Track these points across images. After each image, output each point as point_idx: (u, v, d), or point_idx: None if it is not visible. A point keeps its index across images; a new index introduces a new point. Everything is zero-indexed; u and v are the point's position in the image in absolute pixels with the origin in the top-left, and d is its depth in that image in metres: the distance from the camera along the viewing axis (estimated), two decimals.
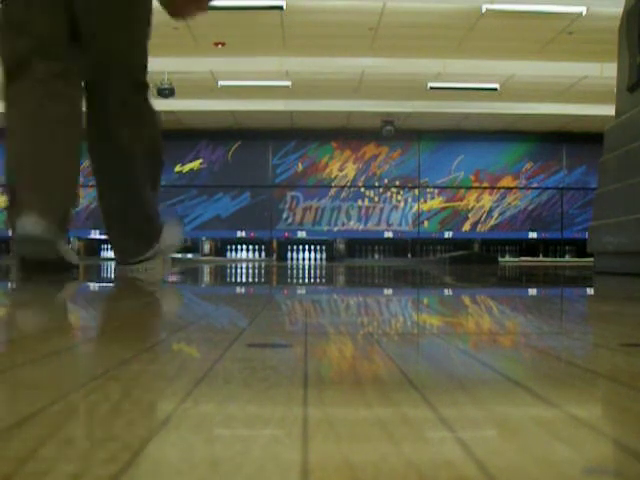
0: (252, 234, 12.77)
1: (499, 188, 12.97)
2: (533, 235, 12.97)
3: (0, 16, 2.63)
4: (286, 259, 12.47)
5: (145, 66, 2.94)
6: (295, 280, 3.77)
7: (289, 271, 5.48)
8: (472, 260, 8.23)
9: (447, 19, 7.65)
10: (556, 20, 7.63)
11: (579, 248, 11.83)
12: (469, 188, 12.95)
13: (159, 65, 8.73)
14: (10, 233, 2.66)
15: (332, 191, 12.92)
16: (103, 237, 12.80)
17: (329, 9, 7.43)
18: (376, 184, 12.94)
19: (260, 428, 0.52)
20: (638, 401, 0.61)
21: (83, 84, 2.78)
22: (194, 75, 9.06)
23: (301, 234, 12.79)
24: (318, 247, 12.85)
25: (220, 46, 8.17)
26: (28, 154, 2.58)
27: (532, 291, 2.85)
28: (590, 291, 2.95)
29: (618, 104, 4.57)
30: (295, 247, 12.79)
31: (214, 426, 0.51)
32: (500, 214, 12.98)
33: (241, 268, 5.99)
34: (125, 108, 2.80)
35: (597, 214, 4.79)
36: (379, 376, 0.75)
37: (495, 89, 10.00)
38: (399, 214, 12.97)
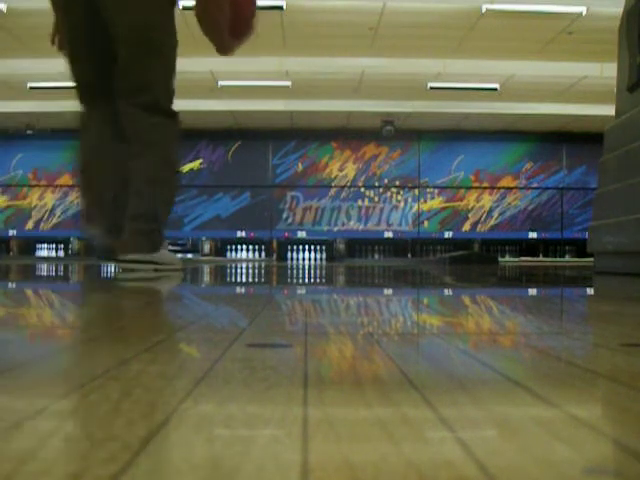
0: (252, 234, 12.77)
1: (499, 188, 12.97)
2: (533, 235, 12.97)
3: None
4: (286, 259, 12.47)
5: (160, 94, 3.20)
6: (295, 280, 3.77)
7: (289, 271, 5.48)
8: (472, 260, 8.23)
9: (447, 19, 7.65)
10: (556, 20, 7.63)
11: (579, 248, 11.83)
12: (469, 188, 12.95)
13: None
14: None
15: (332, 191, 12.92)
16: None
17: (329, 9, 7.43)
18: (376, 184, 12.94)
19: (260, 428, 0.52)
20: (638, 401, 0.61)
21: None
22: (194, 75, 9.06)
23: (301, 234, 12.79)
24: (318, 247, 12.85)
25: None
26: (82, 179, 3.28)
27: (532, 291, 2.85)
28: (590, 291, 2.95)
29: (618, 104, 4.57)
30: (295, 247, 12.79)
31: (214, 426, 0.51)
32: (500, 214, 12.98)
33: (241, 268, 5.99)
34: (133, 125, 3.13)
35: (597, 214, 4.79)
36: (379, 376, 0.75)
37: (495, 89, 10.00)
38: (399, 214, 12.97)
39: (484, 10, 7.32)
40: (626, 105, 4.37)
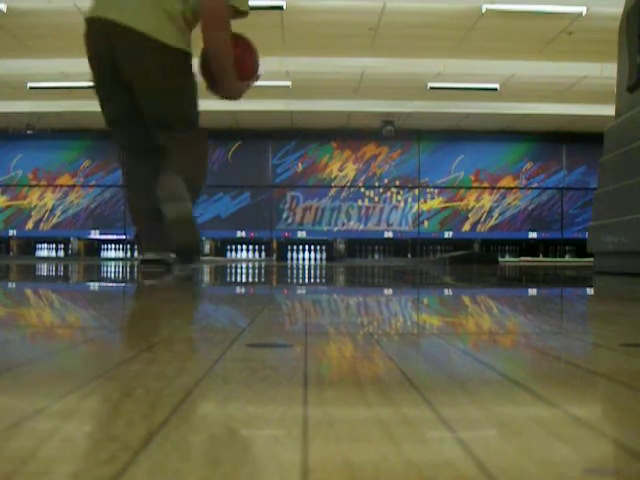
0: (252, 234, 12.77)
1: (499, 188, 12.96)
2: (533, 235, 12.96)
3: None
4: (286, 259, 12.47)
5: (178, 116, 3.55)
6: (295, 280, 3.77)
7: (289, 271, 5.48)
8: (472, 260, 8.23)
9: (447, 19, 7.64)
10: (556, 20, 7.62)
11: (579, 248, 11.82)
12: (469, 188, 12.94)
13: None
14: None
15: (332, 191, 12.92)
16: (103, 237, 12.82)
17: (329, 9, 7.42)
18: (376, 184, 12.93)
19: (260, 428, 0.52)
20: (638, 401, 0.61)
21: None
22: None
23: (301, 234, 12.78)
24: (318, 247, 12.84)
25: None
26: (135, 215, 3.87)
27: (532, 291, 2.85)
28: (590, 291, 2.94)
29: (618, 104, 4.57)
30: (295, 247, 12.78)
31: (214, 426, 0.51)
32: (500, 214, 12.97)
33: (241, 268, 5.99)
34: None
35: (597, 214, 4.79)
36: (379, 376, 0.75)
37: (495, 89, 9.99)
38: (399, 214, 12.97)
39: (484, 10, 7.32)
40: (626, 105, 4.37)
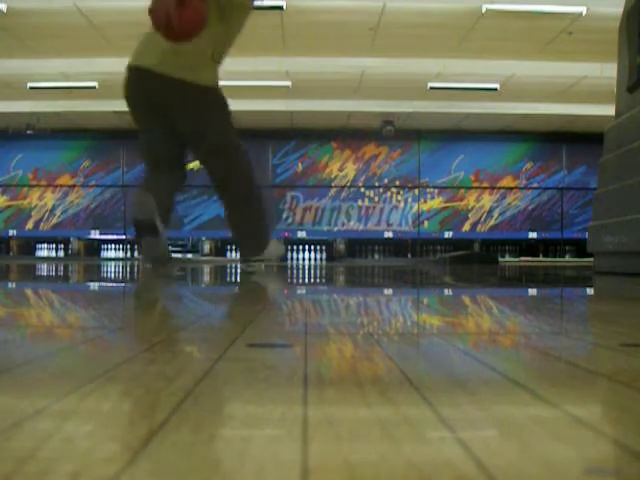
0: None
1: (499, 188, 12.96)
2: (533, 235, 12.96)
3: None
4: (286, 259, 12.47)
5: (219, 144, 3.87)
6: (295, 280, 3.77)
7: (289, 271, 5.48)
8: (472, 260, 8.23)
9: (447, 19, 7.64)
10: (556, 20, 7.62)
11: (579, 248, 11.82)
12: (469, 188, 12.94)
13: None
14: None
15: (332, 191, 12.91)
16: (103, 237, 12.82)
17: (329, 9, 7.42)
18: (376, 184, 12.93)
19: (260, 428, 0.52)
20: (638, 401, 0.61)
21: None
22: None
23: (301, 234, 12.78)
24: (318, 247, 12.84)
25: None
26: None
27: (532, 291, 2.85)
28: (590, 291, 2.94)
29: (618, 104, 4.56)
30: (295, 247, 12.78)
31: (214, 426, 0.51)
32: (500, 214, 12.97)
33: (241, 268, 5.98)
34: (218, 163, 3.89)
35: (597, 214, 4.79)
36: (379, 376, 0.75)
37: (495, 89, 9.99)
38: (399, 214, 12.97)
39: (484, 10, 7.32)
40: (626, 105, 4.37)
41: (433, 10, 7.43)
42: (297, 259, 12.65)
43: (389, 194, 12.98)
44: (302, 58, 8.88)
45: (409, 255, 12.72)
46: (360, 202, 12.96)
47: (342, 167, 12.98)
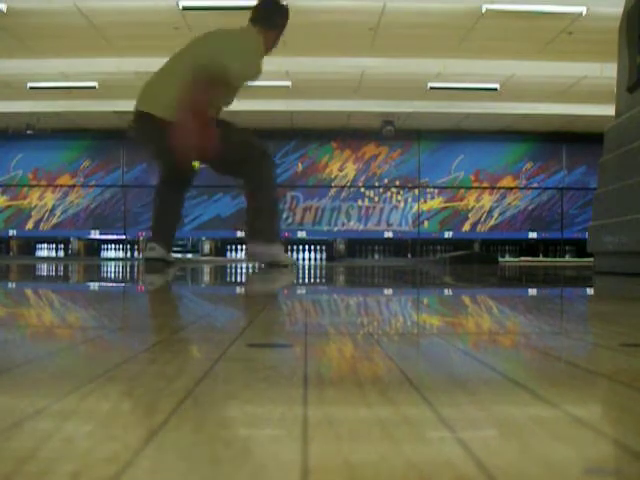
0: None
1: (499, 188, 12.96)
2: (533, 235, 12.96)
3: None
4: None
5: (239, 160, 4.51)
6: (295, 280, 3.77)
7: (289, 271, 5.47)
8: (472, 260, 8.22)
9: (447, 19, 7.64)
10: (556, 20, 7.62)
11: (579, 248, 11.81)
12: (469, 188, 12.94)
13: (159, 65, 8.68)
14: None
15: (332, 191, 12.91)
16: (103, 237, 12.82)
17: (329, 9, 7.42)
18: (376, 184, 12.93)
19: (260, 428, 0.52)
20: (638, 401, 0.61)
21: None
22: None
23: (301, 234, 12.78)
24: (318, 247, 12.84)
25: None
26: (158, 220, 4.69)
27: (532, 291, 2.85)
28: (590, 291, 2.94)
29: (618, 104, 4.56)
30: (295, 247, 12.78)
31: (214, 426, 0.51)
32: (500, 214, 12.97)
33: (241, 268, 5.99)
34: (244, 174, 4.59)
35: (597, 214, 4.78)
36: (379, 376, 0.75)
37: (495, 89, 9.98)
38: (399, 214, 12.97)
39: (484, 10, 7.32)
40: (626, 105, 4.36)
41: (433, 10, 7.43)
42: (297, 259, 12.66)
43: (389, 194, 12.98)
44: (302, 58, 8.88)
45: (409, 255, 12.72)
46: (360, 202, 12.96)
47: (342, 167, 12.98)
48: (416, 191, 12.98)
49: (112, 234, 12.73)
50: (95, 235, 12.76)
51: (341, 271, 5.33)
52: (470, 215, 12.97)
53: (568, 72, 9.22)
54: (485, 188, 12.98)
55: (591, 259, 5.01)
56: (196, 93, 4.01)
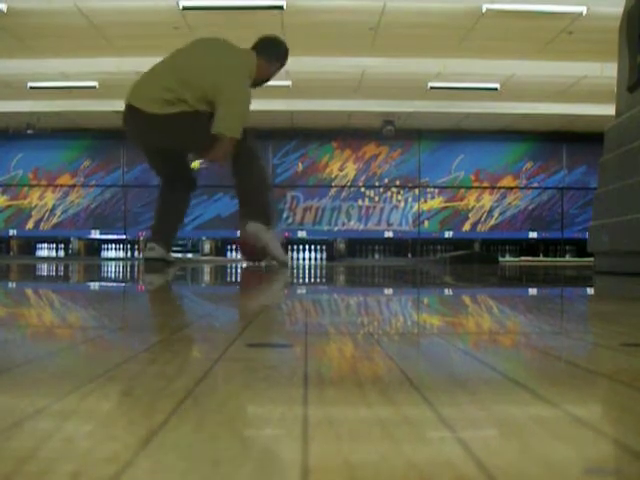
0: None
1: (499, 188, 12.95)
2: (533, 235, 12.95)
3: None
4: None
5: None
6: (295, 280, 3.77)
7: (289, 271, 5.47)
8: (472, 260, 8.22)
9: (447, 19, 7.64)
10: (556, 20, 7.62)
11: (579, 248, 11.81)
12: (469, 188, 12.94)
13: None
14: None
15: (332, 191, 12.91)
16: (103, 237, 12.82)
17: (329, 9, 7.42)
18: (376, 184, 12.93)
19: (260, 428, 0.52)
20: (638, 401, 0.61)
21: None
22: None
23: (301, 234, 12.78)
24: (318, 247, 12.84)
25: None
26: (159, 220, 4.79)
27: (532, 291, 2.85)
28: (590, 291, 2.94)
29: (618, 104, 4.56)
30: (295, 247, 12.78)
31: (214, 426, 0.51)
32: (500, 214, 12.97)
33: (241, 268, 5.99)
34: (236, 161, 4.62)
35: (597, 214, 4.78)
36: (379, 376, 0.75)
37: (495, 89, 9.98)
38: (399, 214, 12.96)
39: (484, 10, 7.32)
40: (626, 105, 4.36)
41: (433, 10, 7.43)
42: (297, 259, 12.65)
43: (389, 194, 12.98)
44: (302, 58, 8.88)
45: (409, 255, 12.72)
46: (360, 202, 12.96)
47: (342, 167, 12.98)
48: (416, 191, 12.98)
49: (112, 234, 12.73)
50: (95, 235, 12.76)
51: (341, 271, 5.33)
52: (470, 215, 12.97)
53: (568, 72, 9.22)
54: (485, 188, 12.97)
55: (591, 259, 5.01)
56: (221, 156, 4.43)
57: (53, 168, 12.76)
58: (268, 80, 4.64)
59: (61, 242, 12.88)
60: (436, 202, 12.96)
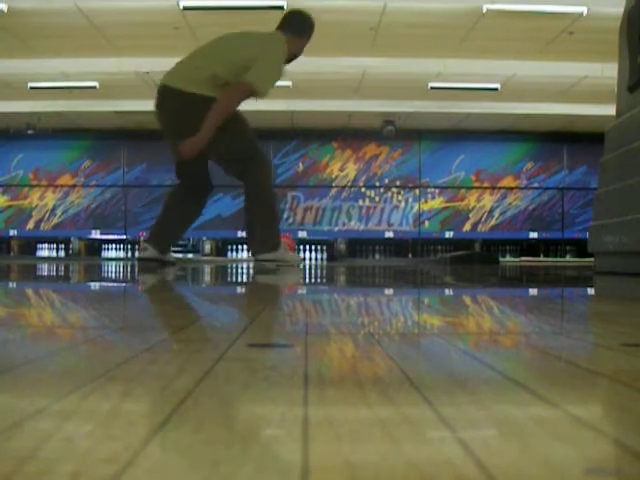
0: None
1: (500, 188, 12.96)
2: (534, 235, 12.96)
3: None
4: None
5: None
6: (296, 280, 3.76)
7: (289, 271, 5.46)
8: (473, 260, 8.22)
9: (448, 19, 7.64)
10: (557, 20, 7.62)
11: (580, 248, 11.81)
12: (470, 188, 12.94)
13: (160, 65, 8.71)
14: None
15: (333, 191, 12.92)
16: (104, 237, 12.83)
17: (330, 9, 7.42)
18: (377, 184, 12.94)
19: (260, 428, 0.52)
20: (639, 401, 0.61)
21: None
22: None
23: (302, 234, 12.78)
24: (319, 247, 12.84)
25: None
26: (159, 221, 4.85)
27: (533, 291, 2.85)
28: (591, 291, 2.94)
29: (618, 104, 4.56)
30: (296, 247, 12.79)
31: (214, 426, 0.51)
32: (501, 214, 12.97)
33: (242, 268, 5.99)
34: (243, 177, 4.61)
35: (597, 214, 4.78)
36: (380, 376, 0.75)
37: (496, 89, 9.99)
38: (400, 214, 12.97)
39: (485, 10, 7.32)
40: (626, 105, 4.36)
41: (434, 10, 7.43)
42: None
43: (390, 194, 12.98)
44: (303, 58, 8.87)
45: (410, 255, 12.72)
46: (361, 202, 12.96)
47: (343, 167, 12.98)
48: (417, 191, 12.98)
49: (113, 234, 12.74)
50: (96, 235, 12.77)
51: (342, 271, 5.33)
52: (471, 215, 12.96)
53: (569, 72, 9.22)
54: (486, 188, 12.97)
55: (592, 259, 5.00)
56: (230, 101, 4.25)
57: (53, 168, 12.76)
58: (299, 55, 4.56)
59: (61, 242, 12.89)
60: (436, 202, 12.96)
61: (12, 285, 3.01)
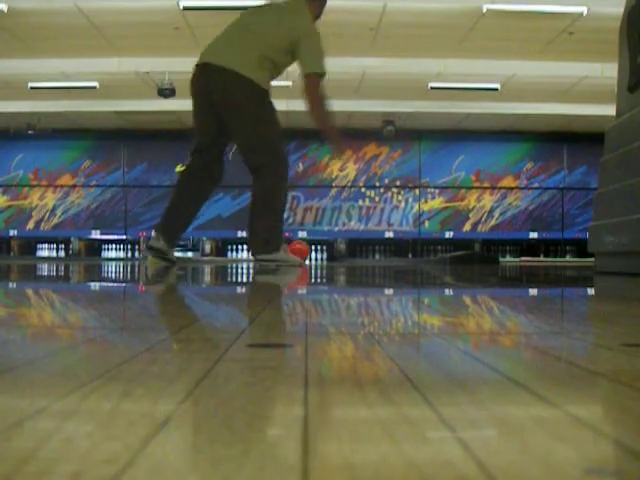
0: None
1: (500, 188, 12.96)
2: (534, 235, 12.96)
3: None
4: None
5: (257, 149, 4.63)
6: (296, 280, 3.76)
7: (289, 271, 5.46)
8: (473, 260, 8.22)
9: (448, 19, 7.64)
10: (557, 20, 7.62)
11: (580, 248, 11.82)
12: (470, 188, 12.95)
13: (160, 65, 8.73)
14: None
15: (333, 191, 12.92)
16: (104, 237, 12.83)
17: (329, 9, 7.37)
18: (377, 184, 12.94)
19: (260, 428, 0.52)
20: (639, 401, 0.61)
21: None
22: None
23: (302, 234, 12.78)
24: (319, 247, 12.84)
25: None
26: (169, 208, 4.71)
27: (533, 291, 2.85)
28: (591, 291, 2.94)
29: (618, 104, 4.56)
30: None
31: (214, 426, 0.51)
32: (501, 214, 12.98)
33: (242, 268, 5.99)
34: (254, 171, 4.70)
35: (597, 214, 4.78)
36: (380, 376, 0.75)
37: (496, 89, 9.99)
38: (400, 214, 12.97)
39: (485, 10, 7.32)
40: (626, 105, 4.36)
41: (434, 10, 7.43)
42: None
43: (390, 194, 12.98)
44: None
45: (410, 255, 12.72)
46: (361, 202, 12.96)
47: (343, 167, 12.99)
48: (417, 191, 12.98)
49: (113, 234, 12.74)
50: (96, 235, 12.77)
51: (342, 271, 5.33)
52: (471, 215, 12.97)
53: (569, 72, 9.23)
54: (486, 188, 12.98)
55: (592, 259, 5.00)
56: (314, 97, 4.57)
57: (53, 168, 12.76)
58: (320, 16, 4.72)
59: (61, 242, 12.89)
60: (436, 202, 12.96)
61: (12, 285, 3.01)
